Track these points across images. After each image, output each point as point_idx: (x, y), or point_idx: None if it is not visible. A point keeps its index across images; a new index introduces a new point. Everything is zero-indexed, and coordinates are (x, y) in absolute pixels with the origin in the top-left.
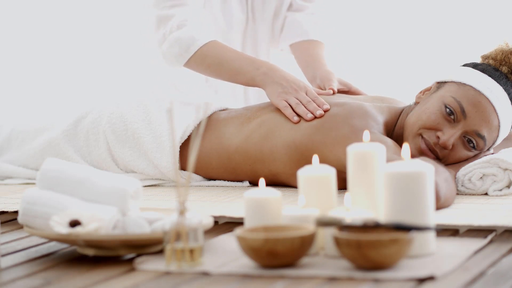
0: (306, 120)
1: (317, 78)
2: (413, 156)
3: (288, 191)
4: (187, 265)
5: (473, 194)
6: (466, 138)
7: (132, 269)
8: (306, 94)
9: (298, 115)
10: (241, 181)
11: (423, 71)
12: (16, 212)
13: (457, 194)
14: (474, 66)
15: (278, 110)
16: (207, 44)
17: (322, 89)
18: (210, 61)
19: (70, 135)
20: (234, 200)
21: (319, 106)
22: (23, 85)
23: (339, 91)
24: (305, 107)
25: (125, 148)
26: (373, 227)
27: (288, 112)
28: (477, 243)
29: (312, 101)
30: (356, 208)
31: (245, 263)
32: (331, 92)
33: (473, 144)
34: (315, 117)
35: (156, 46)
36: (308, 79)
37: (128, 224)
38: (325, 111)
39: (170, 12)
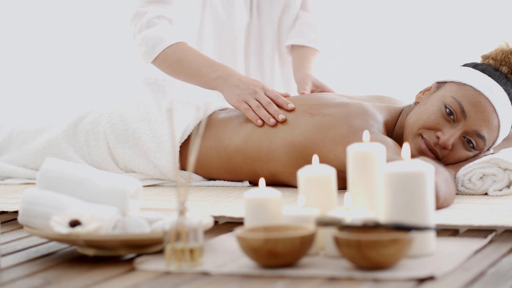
0: (269, 125)
1: (296, 83)
2: (413, 156)
3: (288, 191)
4: (187, 265)
5: (473, 194)
6: (466, 138)
7: (132, 269)
8: (266, 95)
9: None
10: (241, 181)
11: (423, 71)
12: (16, 212)
13: (457, 194)
14: (474, 66)
15: None
16: (172, 45)
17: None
18: (171, 62)
19: (70, 135)
20: (234, 200)
21: (281, 106)
22: (23, 85)
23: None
24: (266, 109)
25: (125, 148)
26: (373, 227)
27: (251, 114)
28: (477, 243)
29: (273, 102)
30: (356, 208)
31: (245, 263)
32: (288, 94)
33: (473, 144)
34: (278, 122)
35: (130, 41)
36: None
37: (128, 224)
38: (290, 110)
39: (145, 9)
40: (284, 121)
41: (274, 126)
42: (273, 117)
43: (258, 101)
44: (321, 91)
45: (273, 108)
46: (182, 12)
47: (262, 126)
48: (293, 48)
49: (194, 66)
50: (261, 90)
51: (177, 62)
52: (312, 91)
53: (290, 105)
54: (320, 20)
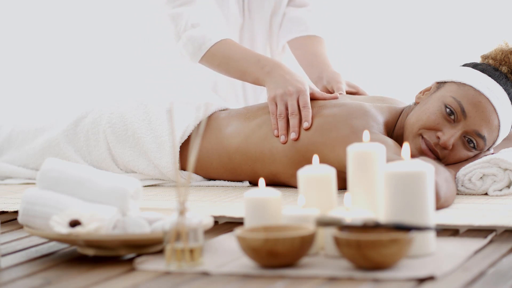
0: (280, 142)
1: (323, 80)
2: (413, 156)
3: (288, 191)
4: (187, 265)
5: (473, 194)
6: (466, 138)
7: (132, 269)
8: (298, 100)
9: None
10: (241, 181)
11: (423, 71)
12: (16, 212)
13: (457, 194)
14: (474, 66)
15: None
16: (218, 43)
17: (329, 91)
18: (219, 61)
19: (70, 135)
20: (234, 200)
21: (303, 119)
22: (23, 85)
23: (347, 93)
24: (289, 118)
25: (125, 148)
26: (373, 227)
27: (272, 121)
28: (477, 243)
29: (297, 114)
30: (356, 208)
31: (245, 263)
32: (337, 96)
33: (473, 144)
34: (294, 138)
35: (173, 43)
36: (313, 79)
37: (128, 224)
38: (305, 129)
39: (180, 10)
40: (296, 139)
41: (283, 143)
42: (287, 132)
43: (287, 106)
44: (356, 92)
45: (294, 121)
46: None
47: (277, 136)
48: (291, 43)
49: (242, 64)
50: (296, 93)
51: (225, 62)
52: (347, 92)
53: (306, 124)
54: (307, 13)
